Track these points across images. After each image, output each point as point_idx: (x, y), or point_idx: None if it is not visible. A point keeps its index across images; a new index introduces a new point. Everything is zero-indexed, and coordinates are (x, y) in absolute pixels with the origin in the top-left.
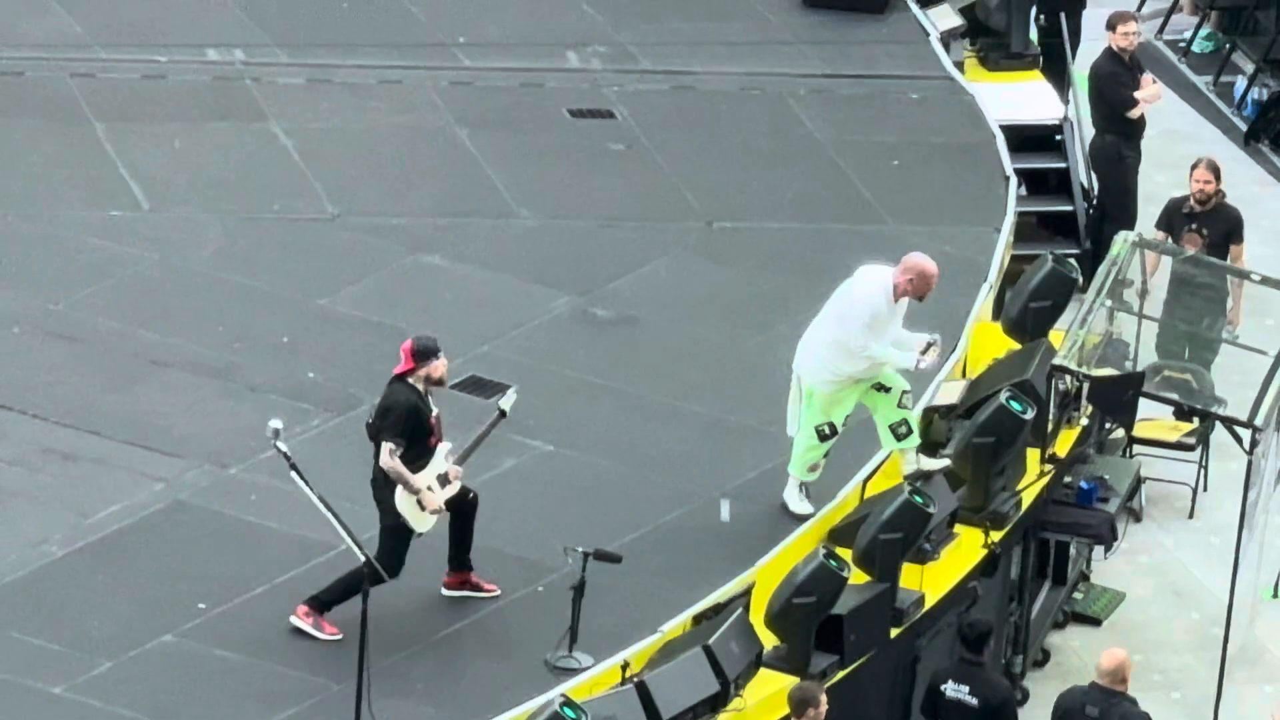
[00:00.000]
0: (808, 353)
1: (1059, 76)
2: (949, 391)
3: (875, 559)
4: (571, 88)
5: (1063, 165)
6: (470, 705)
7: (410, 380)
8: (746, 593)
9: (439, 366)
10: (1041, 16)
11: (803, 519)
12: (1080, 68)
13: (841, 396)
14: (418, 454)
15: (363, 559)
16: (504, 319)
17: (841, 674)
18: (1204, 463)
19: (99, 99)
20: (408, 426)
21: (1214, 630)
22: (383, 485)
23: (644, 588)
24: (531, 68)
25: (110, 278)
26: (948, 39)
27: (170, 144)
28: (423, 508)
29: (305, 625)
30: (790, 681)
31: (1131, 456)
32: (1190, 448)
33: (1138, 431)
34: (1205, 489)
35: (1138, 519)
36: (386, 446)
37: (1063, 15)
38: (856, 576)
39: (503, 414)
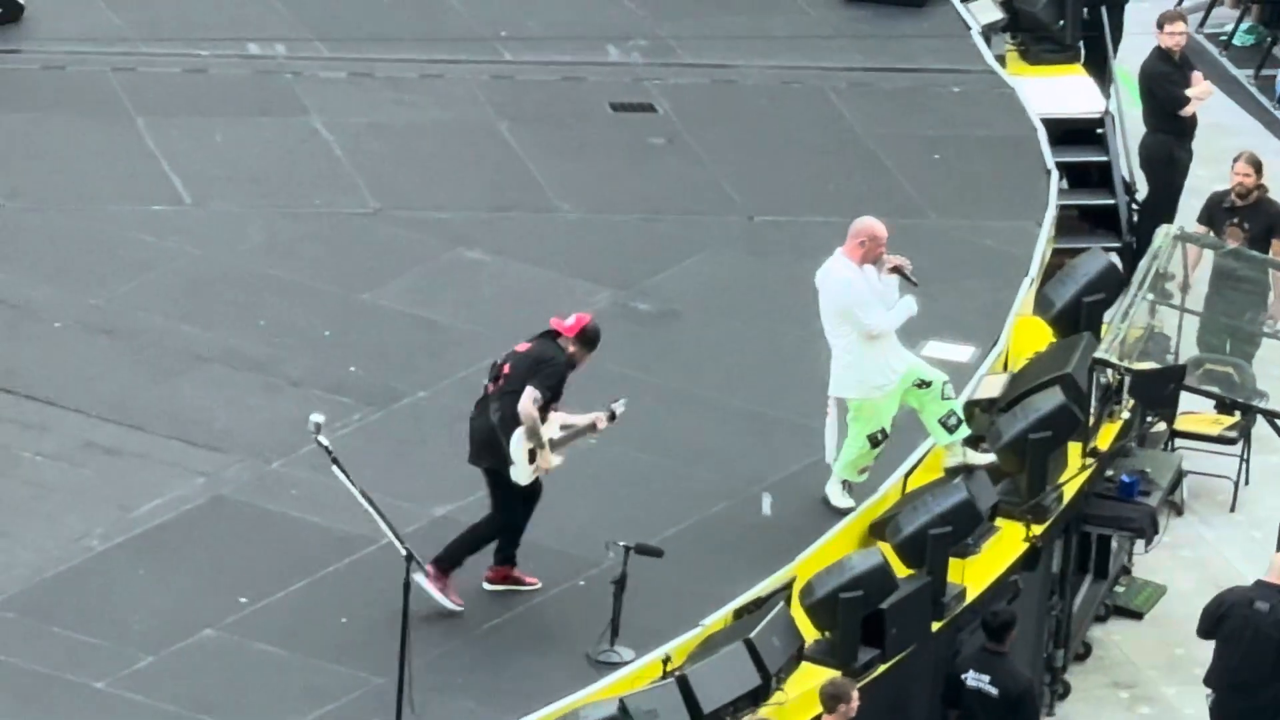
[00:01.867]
0: (841, 376)
1: (1100, 70)
2: (990, 385)
3: (923, 553)
4: (613, 81)
5: (1104, 159)
6: (511, 699)
7: (562, 344)
8: (788, 587)
9: (587, 359)
10: (1084, 10)
11: (844, 513)
12: (1121, 62)
13: (885, 405)
14: (544, 416)
15: (404, 553)
16: (545, 313)
17: (883, 668)
18: (1245, 456)
19: (140, 93)
20: (557, 386)
21: None
22: (498, 429)
23: (685, 582)
24: (573, 61)
25: (152, 272)
26: (989, 32)
27: (212, 138)
28: (531, 460)
29: (433, 590)
30: (832, 675)
31: (1173, 450)
32: (1232, 441)
33: (1179, 425)
34: (1247, 482)
35: (1179, 512)
36: (533, 394)
37: (1104, 9)
38: (898, 569)
39: (613, 416)
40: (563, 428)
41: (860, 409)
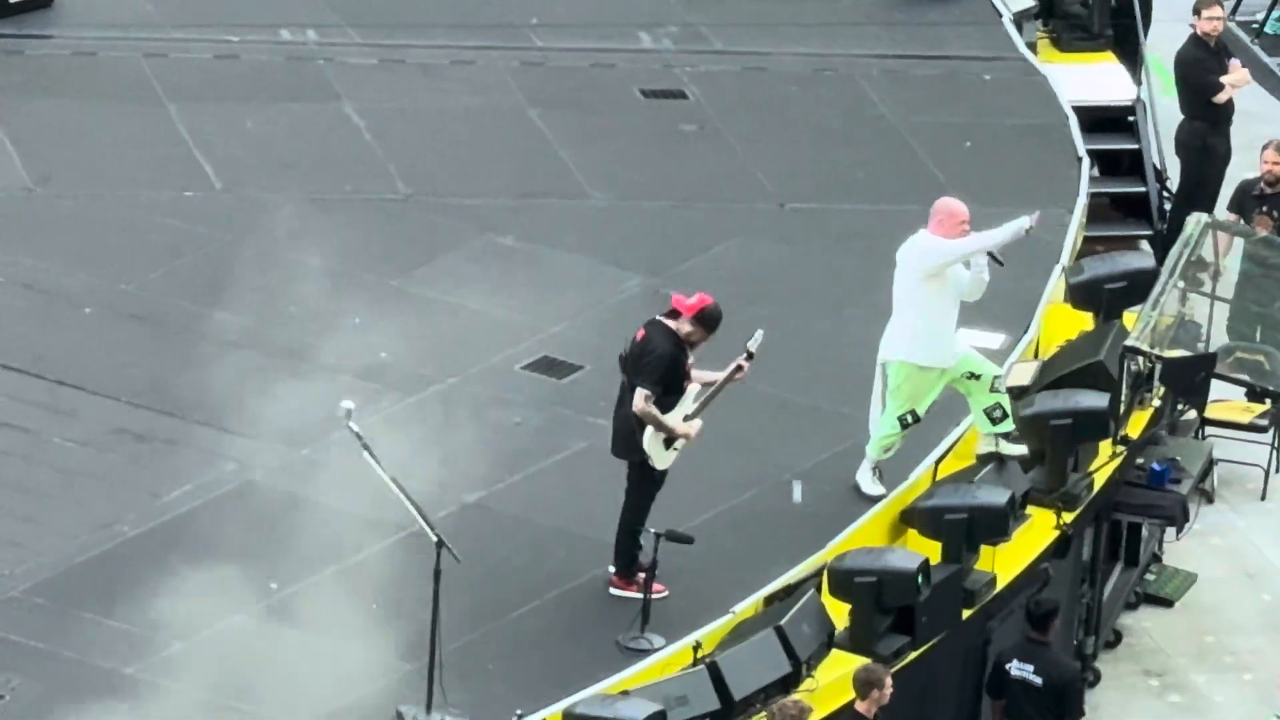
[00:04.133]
0: (894, 340)
1: (1131, 58)
2: (1021, 373)
3: (955, 542)
4: (643, 68)
5: (1135, 146)
6: (542, 685)
7: (674, 327)
8: (818, 574)
9: (707, 341)
10: None
11: (875, 500)
12: (1152, 49)
13: (927, 388)
14: (671, 401)
15: (435, 539)
16: (576, 299)
17: (913, 655)
18: (1276, 444)
19: (171, 79)
20: (666, 375)
21: None
22: (632, 424)
23: (716, 569)
24: (603, 48)
25: (183, 258)
26: (1020, 20)
27: (243, 124)
28: (667, 446)
29: (630, 593)
30: (862, 663)
31: (1204, 438)
32: (1263, 429)
33: (1210, 413)
34: (1278, 470)
35: (1210, 500)
36: (642, 393)
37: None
38: (926, 552)
39: (750, 355)
40: (704, 385)
41: (904, 382)
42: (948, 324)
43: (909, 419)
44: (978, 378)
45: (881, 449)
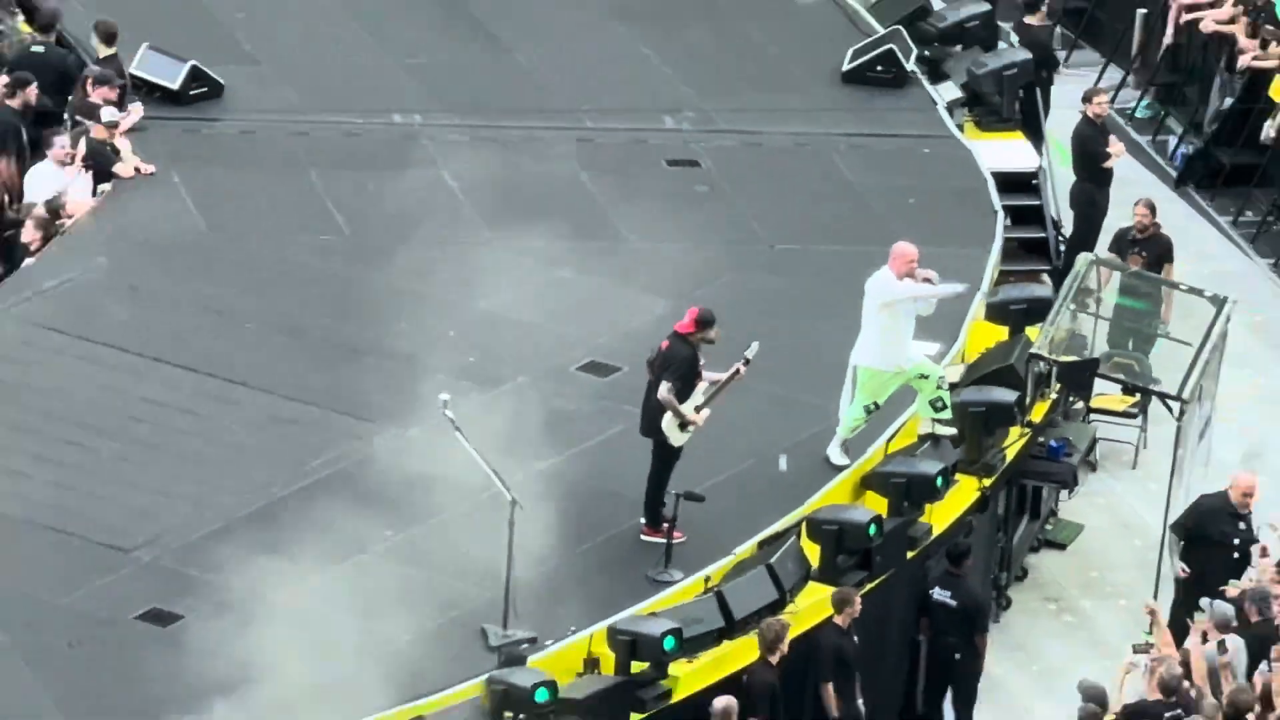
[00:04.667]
0: (863, 349)
1: (1035, 136)
2: (951, 373)
3: (901, 500)
4: (668, 143)
5: (1038, 203)
6: (590, 608)
7: (690, 338)
8: (799, 525)
9: (715, 333)
10: (1020, 90)
11: (841, 469)
12: (1050, 130)
13: (886, 385)
14: (686, 394)
15: (510, 499)
16: (617, 317)
17: (870, 586)
18: (1144, 427)
19: (312, 151)
20: (686, 373)
21: (1150, 555)
22: (656, 411)
23: (721, 521)
24: (638, 128)
25: (319, 287)
26: (951, 107)
27: (365, 186)
28: (682, 429)
29: (656, 539)
30: (832, 590)
31: (1089, 422)
32: (1133, 416)
33: (1094, 403)
34: (1145, 446)
35: (1094, 469)
36: (665, 386)
37: (1037, 90)
38: (879, 508)
39: (747, 362)
40: (711, 383)
41: (868, 381)
42: (903, 338)
43: (871, 408)
44: (927, 378)
45: (849, 430)
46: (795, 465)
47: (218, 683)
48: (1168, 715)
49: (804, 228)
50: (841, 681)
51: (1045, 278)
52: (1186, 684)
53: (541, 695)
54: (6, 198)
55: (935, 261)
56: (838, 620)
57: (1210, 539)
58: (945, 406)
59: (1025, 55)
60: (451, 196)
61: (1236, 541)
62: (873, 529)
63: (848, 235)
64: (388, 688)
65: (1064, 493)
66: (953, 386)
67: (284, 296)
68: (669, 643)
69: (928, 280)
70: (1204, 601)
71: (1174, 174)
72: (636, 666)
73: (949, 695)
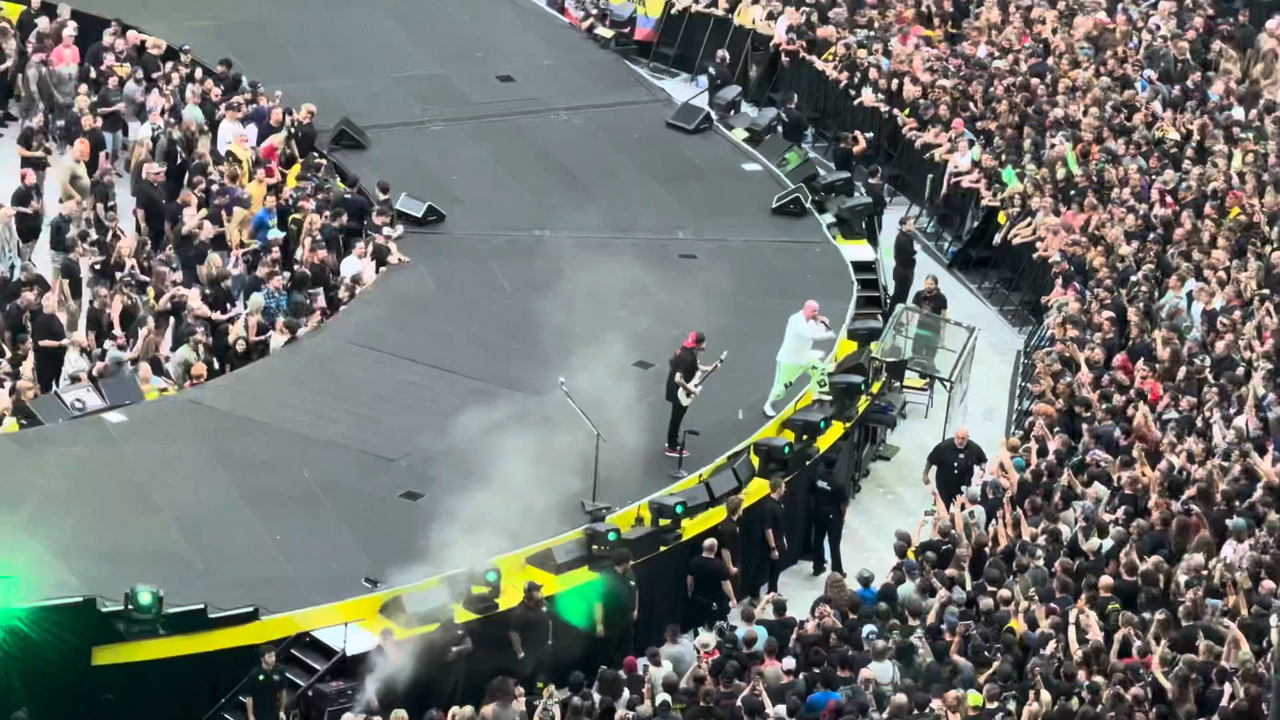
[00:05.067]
0: (784, 353)
1: (873, 241)
2: (829, 367)
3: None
4: (679, 246)
5: (875, 277)
6: (640, 492)
7: (691, 348)
8: (749, 448)
9: (703, 345)
10: (865, 219)
11: (770, 418)
12: (882, 239)
13: (796, 371)
14: (689, 377)
15: (596, 433)
16: (661, 335)
17: (786, 478)
18: (931, 396)
19: (491, 250)
20: (688, 369)
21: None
22: (673, 386)
23: (707, 445)
24: (662, 238)
25: (496, 321)
26: (831, 226)
27: (519, 266)
28: (687, 395)
29: (675, 455)
30: (760, 490)
31: (901, 392)
32: (924, 390)
33: (905, 383)
34: (931, 406)
35: (903, 417)
36: (679, 373)
37: (874, 218)
38: (791, 438)
39: (721, 361)
40: (701, 370)
41: (787, 370)
42: (805, 348)
43: (788, 384)
44: (817, 369)
45: (775, 396)
46: (747, 418)
47: (447, 531)
48: (944, 548)
49: (752, 290)
50: (775, 529)
51: (878, 317)
52: (953, 531)
53: (612, 536)
54: (331, 275)
55: (823, 308)
56: (773, 495)
57: (945, 463)
58: (825, 385)
59: (869, 200)
60: (564, 275)
61: (955, 464)
62: (787, 449)
63: (774, 294)
64: (542, 530)
65: (888, 430)
66: (829, 375)
67: (477, 326)
68: (679, 509)
69: (823, 323)
70: (963, 487)
71: (947, 260)
72: (663, 522)
73: (826, 539)
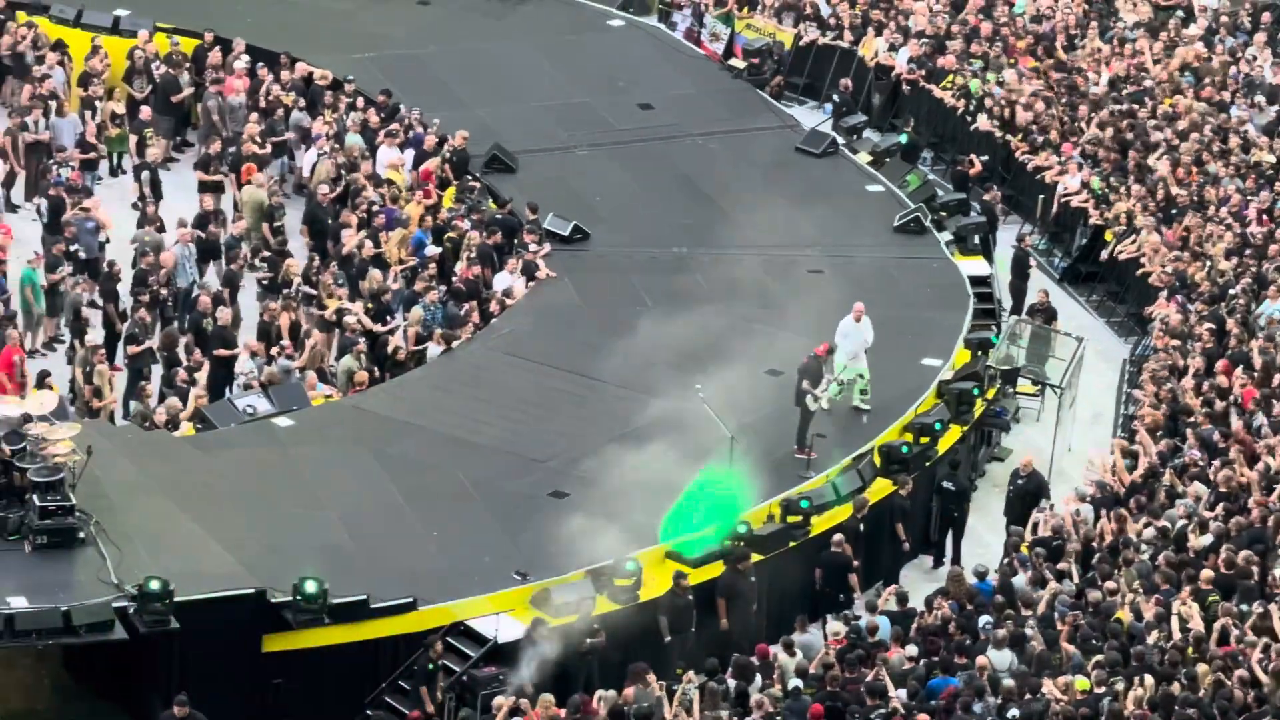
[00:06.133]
0: (841, 355)
1: (988, 257)
2: (944, 374)
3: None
4: (806, 261)
5: (990, 291)
6: (770, 488)
7: (820, 358)
8: (871, 449)
9: (832, 356)
10: (979, 233)
11: (825, 410)
12: (997, 255)
13: (852, 372)
14: (816, 384)
15: (729, 433)
16: (783, 350)
17: (909, 478)
18: (1042, 402)
19: (632, 264)
20: (815, 375)
21: (1045, 465)
22: (801, 396)
23: (826, 448)
24: (790, 254)
25: (637, 331)
26: (949, 245)
27: (659, 281)
28: (814, 401)
29: (801, 456)
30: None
31: (1015, 397)
32: (1037, 395)
33: (1018, 389)
34: (1043, 410)
35: (1017, 421)
36: (807, 381)
37: (991, 234)
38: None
39: (842, 385)
40: (827, 378)
41: (843, 371)
42: (853, 348)
43: (841, 383)
44: (863, 377)
45: (833, 394)
46: (870, 418)
47: (589, 526)
48: (1055, 543)
49: (875, 303)
50: (903, 522)
51: (993, 328)
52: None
53: (742, 529)
54: (483, 290)
55: (934, 320)
56: (901, 492)
57: (1011, 486)
58: (866, 393)
59: (983, 218)
60: (701, 289)
61: (1011, 489)
62: (905, 449)
63: (896, 307)
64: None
65: (1003, 433)
66: (944, 382)
67: (619, 336)
68: (804, 504)
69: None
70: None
71: (1057, 275)
72: (791, 519)
73: (950, 535)
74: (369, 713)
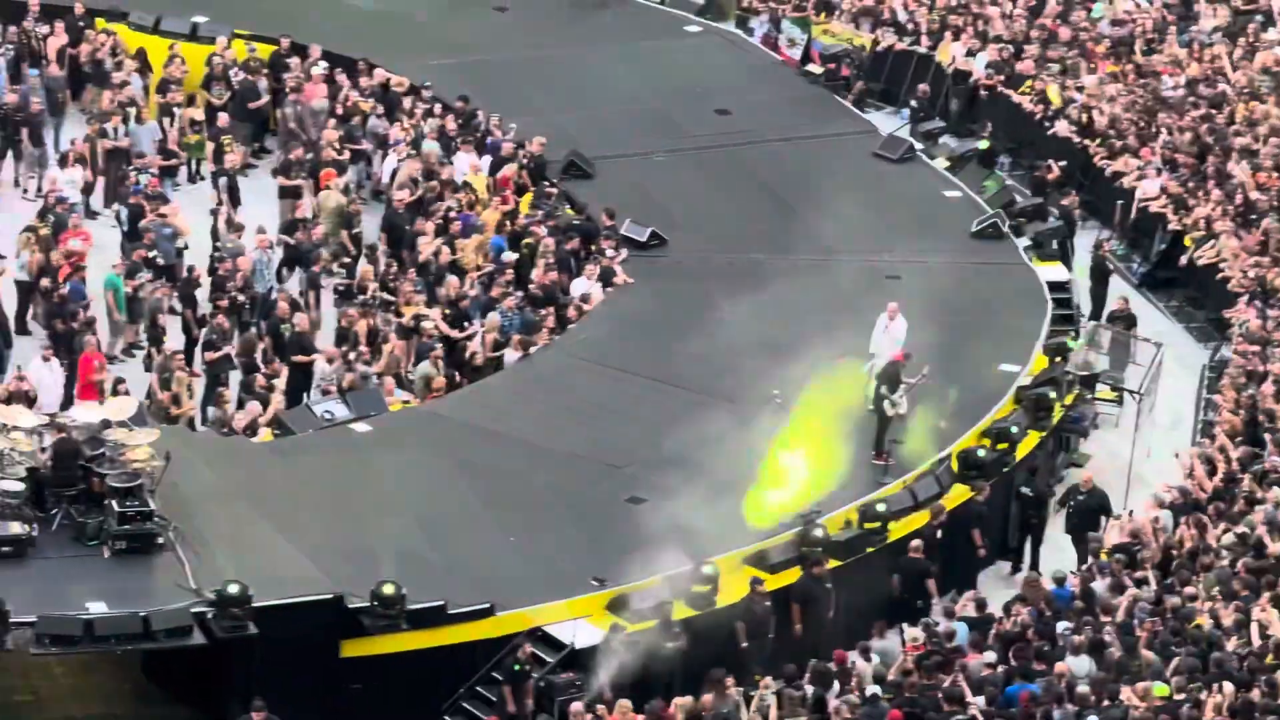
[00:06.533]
0: (880, 357)
1: (1066, 263)
2: (1020, 379)
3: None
4: (884, 268)
5: (1068, 296)
6: (849, 494)
7: (898, 364)
8: (948, 455)
9: (909, 362)
10: (1056, 241)
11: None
12: (1076, 261)
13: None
14: (893, 390)
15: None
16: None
17: (986, 485)
18: (1121, 407)
19: (709, 269)
20: (893, 381)
21: (1124, 468)
22: (879, 401)
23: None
24: (870, 258)
25: (710, 332)
26: (1028, 250)
27: (735, 284)
28: (893, 406)
29: (878, 462)
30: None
31: (1094, 402)
32: (1116, 401)
33: (1097, 394)
34: (1121, 417)
35: (1096, 427)
36: (885, 387)
37: (1069, 241)
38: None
39: (924, 376)
40: (905, 384)
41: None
42: (889, 347)
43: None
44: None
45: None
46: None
47: (662, 527)
48: (1134, 549)
49: (954, 308)
50: (980, 528)
51: (1071, 334)
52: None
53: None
54: (560, 295)
55: (1013, 324)
56: (978, 498)
57: (1070, 501)
58: (903, 398)
59: (1061, 224)
60: (778, 294)
61: (1072, 505)
62: (981, 453)
63: (975, 312)
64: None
65: (1081, 439)
66: (1022, 388)
67: (696, 342)
68: (880, 509)
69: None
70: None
71: (1136, 281)
72: (869, 525)
73: (1028, 540)
74: (445, 719)
